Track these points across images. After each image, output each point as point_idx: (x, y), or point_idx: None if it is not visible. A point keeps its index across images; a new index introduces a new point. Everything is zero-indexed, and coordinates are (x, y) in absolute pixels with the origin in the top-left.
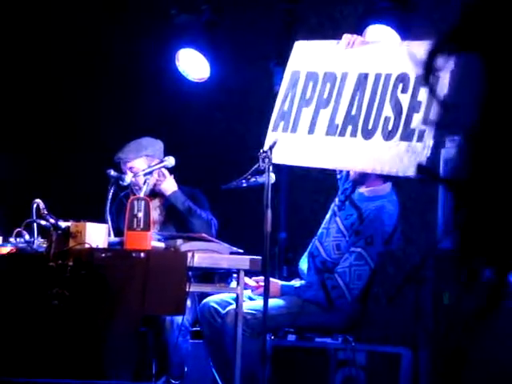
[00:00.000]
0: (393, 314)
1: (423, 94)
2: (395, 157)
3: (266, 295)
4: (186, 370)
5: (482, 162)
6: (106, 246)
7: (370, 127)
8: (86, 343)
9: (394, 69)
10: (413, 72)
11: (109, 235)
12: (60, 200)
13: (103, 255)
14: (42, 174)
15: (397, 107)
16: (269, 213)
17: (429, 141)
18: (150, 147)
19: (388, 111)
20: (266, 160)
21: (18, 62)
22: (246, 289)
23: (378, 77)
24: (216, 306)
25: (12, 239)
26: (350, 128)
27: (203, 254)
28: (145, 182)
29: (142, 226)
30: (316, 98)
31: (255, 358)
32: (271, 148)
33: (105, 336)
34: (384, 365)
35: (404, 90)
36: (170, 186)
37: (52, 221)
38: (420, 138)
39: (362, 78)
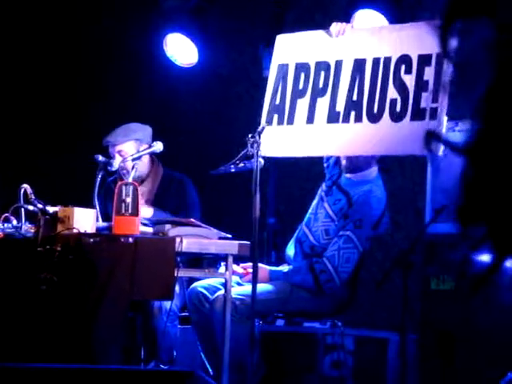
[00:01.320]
0: (381, 299)
1: (429, 73)
2: (408, 137)
3: (255, 280)
4: (174, 354)
5: (493, 124)
6: (94, 231)
7: (375, 111)
8: (75, 328)
9: (393, 51)
10: (414, 52)
11: (97, 220)
12: (48, 185)
13: (91, 240)
14: (30, 159)
15: (402, 88)
16: (257, 198)
17: (443, 117)
18: (138, 131)
19: (393, 93)
20: (255, 145)
21: (5, 49)
22: (234, 275)
23: (376, 61)
24: (204, 291)
25: None
26: (353, 114)
27: (192, 239)
28: (133, 167)
29: (130, 210)
30: (310, 88)
31: (244, 343)
32: (260, 133)
33: (93, 321)
34: (372, 349)
35: (407, 71)
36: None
37: (40, 206)
38: (433, 116)
39: (359, 64)
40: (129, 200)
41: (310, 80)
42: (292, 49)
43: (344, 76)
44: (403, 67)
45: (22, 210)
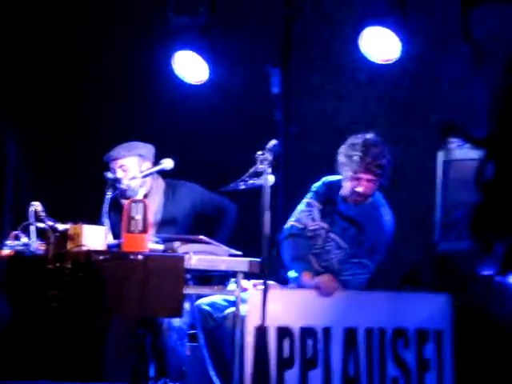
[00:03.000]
0: None
1: (430, 350)
2: None
3: (265, 296)
4: (184, 371)
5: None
6: (104, 248)
7: None
8: (84, 345)
9: (386, 322)
10: (411, 325)
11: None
12: (58, 203)
13: (101, 257)
14: (40, 176)
15: (402, 367)
16: (267, 215)
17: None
18: (142, 147)
19: (393, 370)
20: (264, 162)
21: (11, 66)
22: (244, 292)
23: (369, 333)
24: (208, 308)
25: (9, 242)
26: None
27: (201, 256)
28: (142, 184)
29: (139, 228)
30: (298, 358)
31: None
32: (270, 150)
33: (103, 338)
34: None
35: (406, 347)
36: None
37: (50, 223)
38: None
39: (350, 334)
40: (138, 217)
41: (296, 349)
42: (270, 307)
43: (335, 347)
44: (400, 342)
45: (32, 227)
